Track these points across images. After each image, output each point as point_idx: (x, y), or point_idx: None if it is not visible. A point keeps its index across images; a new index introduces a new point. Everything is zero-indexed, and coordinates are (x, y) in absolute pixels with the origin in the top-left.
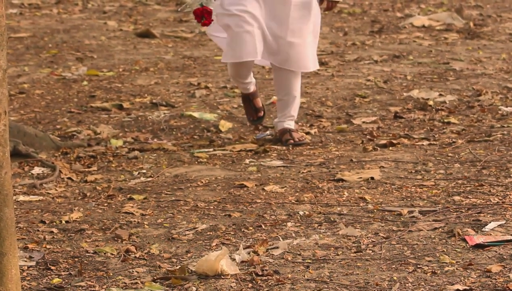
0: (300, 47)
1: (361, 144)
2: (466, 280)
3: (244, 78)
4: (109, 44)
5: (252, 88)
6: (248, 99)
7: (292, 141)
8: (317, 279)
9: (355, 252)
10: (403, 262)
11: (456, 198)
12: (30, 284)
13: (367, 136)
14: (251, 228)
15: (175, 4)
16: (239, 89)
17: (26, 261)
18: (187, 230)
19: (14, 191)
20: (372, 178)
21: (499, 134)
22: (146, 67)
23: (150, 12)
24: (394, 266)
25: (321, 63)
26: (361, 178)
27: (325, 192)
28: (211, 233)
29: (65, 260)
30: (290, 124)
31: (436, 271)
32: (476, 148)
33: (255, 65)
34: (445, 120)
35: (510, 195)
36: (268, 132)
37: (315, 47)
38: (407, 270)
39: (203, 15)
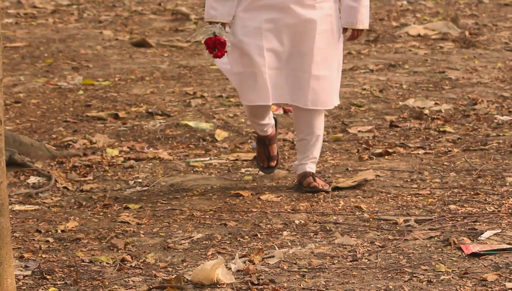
0: (326, 82)
1: (356, 153)
2: (462, 288)
3: (260, 119)
4: (105, 53)
5: (269, 130)
6: (264, 143)
7: (316, 185)
8: (313, 288)
9: (351, 261)
10: (399, 270)
11: (452, 206)
12: None
13: (363, 145)
14: (247, 237)
15: (170, 13)
16: (255, 130)
17: (21, 270)
18: (183, 239)
19: (10, 200)
20: (366, 180)
21: (495, 143)
22: (142, 76)
23: (146, 21)
24: (390, 275)
25: None
26: (355, 181)
27: (321, 200)
28: (207, 242)
29: (61, 269)
30: (312, 167)
31: (432, 280)
32: (472, 156)
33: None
34: (441, 129)
35: (506, 203)
36: None
37: (339, 80)
38: (403, 278)
39: (216, 46)
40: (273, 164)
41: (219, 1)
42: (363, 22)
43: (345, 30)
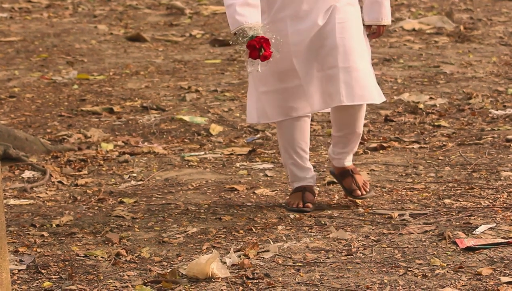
0: (358, 73)
1: None
2: (456, 283)
3: (299, 143)
4: (100, 48)
5: (309, 179)
6: (301, 191)
7: (359, 193)
8: (307, 282)
9: (345, 255)
10: (393, 265)
11: (447, 201)
12: (21, 288)
13: None
14: (241, 231)
15: (165, 8)
16: (290, 177)
17: (16, 265)
18: (177, 234)
19: (5, 194)
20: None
21: (490, 137)
22: (137, 71)
23: (141, 16)
24: (384, 269)
25: None
26: None
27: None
28: (201, 236)
29: (56, 264)
30: (350, 160)
31: (426, 274)
32: (467, 151)
33: None
34: (436, 123)
35: (501, 198)
36: (258, 135)
37: (374, 75)
38: (397, 273)
39: (261, 45)
40: (308, 207)
41: (245, 8)
42: (387, 17)
43: (368, 28)
